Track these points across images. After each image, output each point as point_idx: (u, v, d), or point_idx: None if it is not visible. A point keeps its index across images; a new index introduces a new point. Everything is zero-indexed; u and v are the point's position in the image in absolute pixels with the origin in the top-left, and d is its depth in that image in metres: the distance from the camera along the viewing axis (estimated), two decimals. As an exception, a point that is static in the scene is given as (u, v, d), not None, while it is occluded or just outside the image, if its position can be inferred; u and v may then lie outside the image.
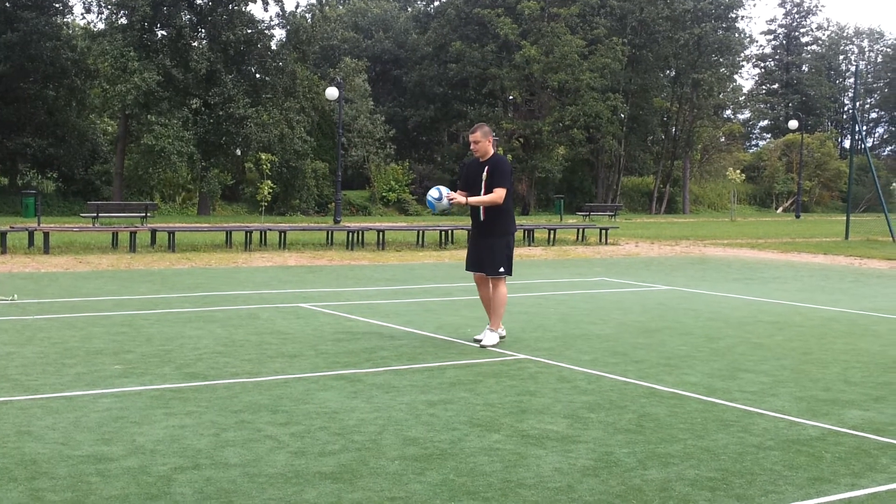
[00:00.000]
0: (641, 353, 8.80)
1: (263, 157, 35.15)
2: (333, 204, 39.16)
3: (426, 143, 67.32)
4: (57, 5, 46.10)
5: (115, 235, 21.32)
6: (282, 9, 47.60)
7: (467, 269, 9.40)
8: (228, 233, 22.55)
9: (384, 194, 55.06)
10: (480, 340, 9.02)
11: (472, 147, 9.06)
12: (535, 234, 26.96)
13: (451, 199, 8.92)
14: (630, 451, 5.44)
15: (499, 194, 8.84)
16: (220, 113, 42.79)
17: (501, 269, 8.97)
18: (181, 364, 7.78)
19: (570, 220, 41.59)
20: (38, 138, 44.13)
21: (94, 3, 44.55)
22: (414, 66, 63.26)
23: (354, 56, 60.12)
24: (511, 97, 60.54)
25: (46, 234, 19.80)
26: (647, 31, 61.55)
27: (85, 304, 11.65)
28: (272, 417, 6.02)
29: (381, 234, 23.63)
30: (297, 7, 66.18)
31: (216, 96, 42.58)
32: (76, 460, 5.01)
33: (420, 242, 24.38)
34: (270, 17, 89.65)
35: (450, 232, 24.97)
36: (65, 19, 49.50)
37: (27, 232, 20.50)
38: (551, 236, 26.82)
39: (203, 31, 45.32)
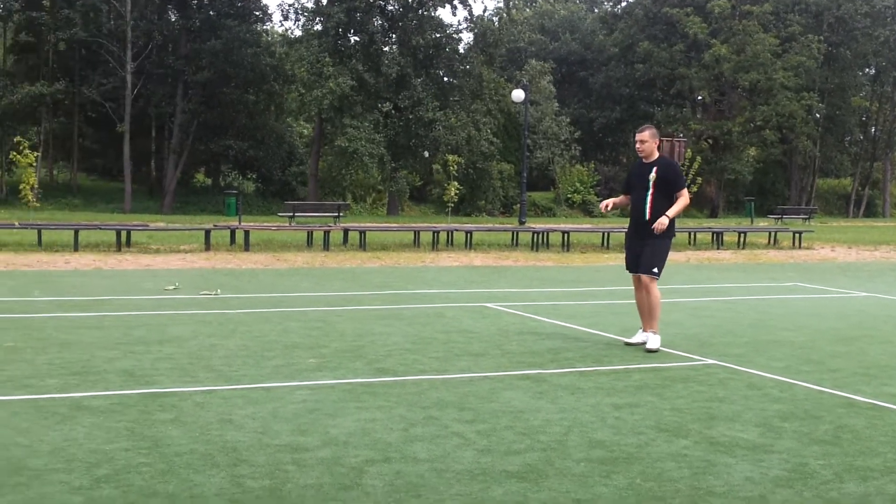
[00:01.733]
0: (838, 361, 8.45)
1: (450, 158, 35.69)
2: (518, 205, 39.32)
3: (612, 145, 66.66)
4: (257, 13, 48.17)
5: (310, 234, 22.13)
6: (470, 13, 48.27)
7: (628, 269, 9.19)
8: (416, 233, 23.02)
9: (569, 196, 54.87)
10: (643, 344, 8.91)
11: (637, 147, 8.94)
12: (725, 238, 26.28)
13: (657, 229, 8.66)
14: (826, 463, 5.25)
15: (685, 196, 8.87)
16: (410, 116, 43.71)
17: (655, 270, 8.78)
18: (372, 359, 8.01)
19: (762, 223, 40.30)
20: (240, 141, 46.22)
21: (292, 11, 46.43)
22: (600, 67, 62.77)
23: (540, 58, 60.20)
24: (700, 97, 59.21)
25: (247, 233, 20.77)
26: (845, 28, 58.94)
27: (282, 300, 12.16)
28: (459, 415, 6.12)
29: (565, 235, 23.57)
30: (484, 11, 66.76)
31: (406, 100, 43.51)
32: (274, 449, 5.23)
33: (605, 244, 24.18)
34: (459, 21, 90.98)
35: (636, 234, 24.70)
36: (264, 27, 51.72)
37: (229, 230, 21.55)
38: (741, 240, 26.08)
39: (394, 36, 46.42)
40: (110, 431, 5.48)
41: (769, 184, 61.75)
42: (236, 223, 24.20)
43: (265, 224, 26.51)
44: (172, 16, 47.21)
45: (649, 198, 8.79)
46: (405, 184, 46.34)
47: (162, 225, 25.82)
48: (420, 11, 45.41)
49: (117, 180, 48.87)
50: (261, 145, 47.16)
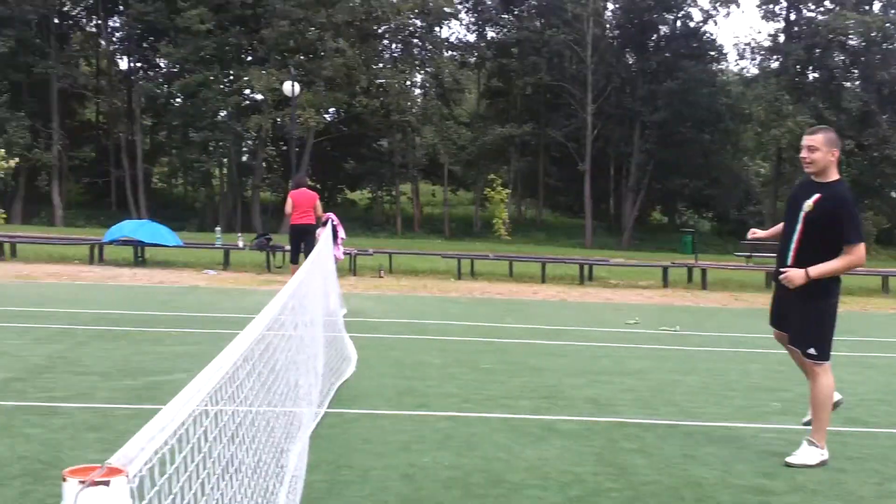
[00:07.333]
0: None
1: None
2: None
3: None
4: (712, 53, 48.22)
5: (767, 275, 21.52)
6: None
7: (770, 322, 6.17)
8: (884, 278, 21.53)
9: None
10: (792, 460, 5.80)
11: (803, 157, 5.77)
12: None
13: (783, 278, 5.69)
14: None
15: (858, 254, 5.55)
16: (874, 154, 41.31)
17: (812, 351, 5.70)
18: (841, 408, 7.64)
19: None
20: (695, 179, 46.35)
21: (748, 50, 45.79)
22: None
23: None
24: None
25: (704, 271, 20.72)
26: None
27: (741, 340, 11.99)
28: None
29: None
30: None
31: (870, 137, 41.22)
32: (738, 489, 5.19)
33: None
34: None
35: None
36: (720, 66, 51.53)
37: (686, 268, 21.61)
38: None
39: (856, 71, 44.22)
40: (579, 454, 5.77)
41: None
42: (693, 261, 24.19)
43: (722, 263, 26.21)
44: (630, 59, 48.60)
45: (795, 238, 5.73)
46: (871, 225, 43.52)
47: (621, 261, 26.49)
48: (884, 45, 42.73)
49: (578, 217, 50.91)
50: (716, 184, 46.88)
